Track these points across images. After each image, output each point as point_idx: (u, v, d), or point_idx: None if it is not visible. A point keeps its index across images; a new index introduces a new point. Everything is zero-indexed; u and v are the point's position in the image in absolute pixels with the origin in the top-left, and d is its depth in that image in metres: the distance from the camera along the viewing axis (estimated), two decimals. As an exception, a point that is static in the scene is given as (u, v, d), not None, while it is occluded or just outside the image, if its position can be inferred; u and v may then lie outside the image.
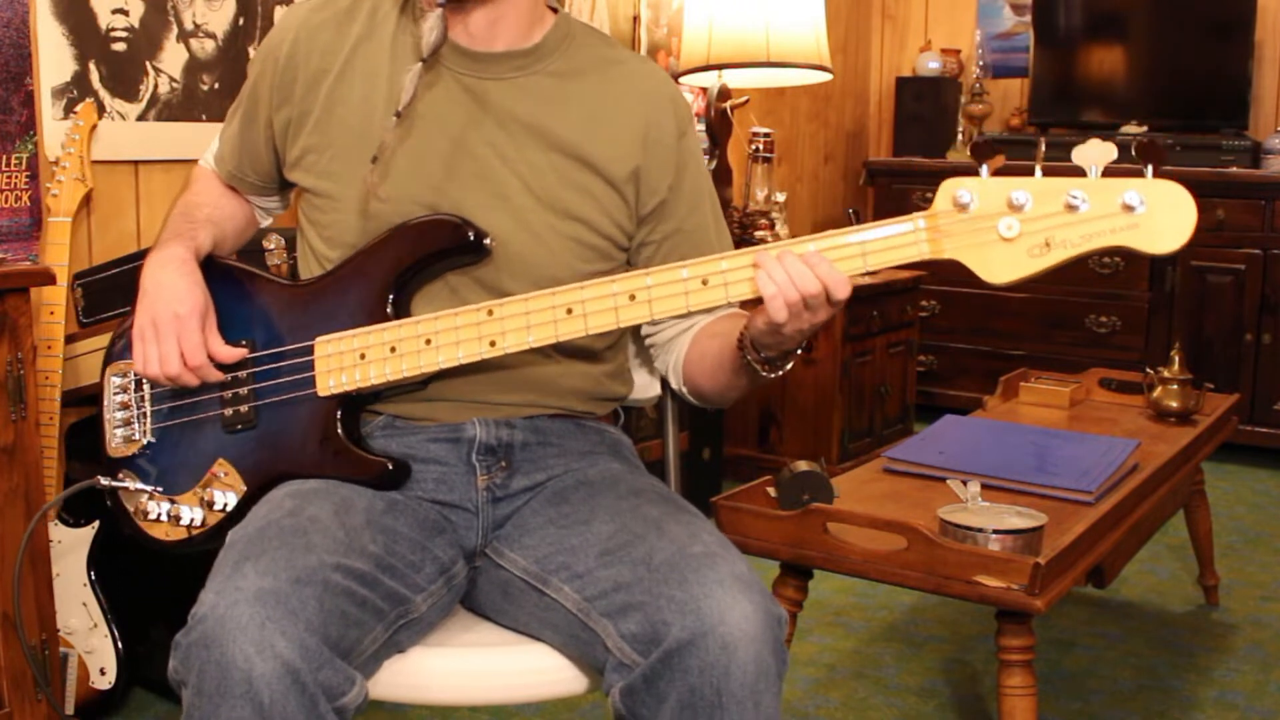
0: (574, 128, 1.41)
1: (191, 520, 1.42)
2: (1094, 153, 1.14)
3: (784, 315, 1.22)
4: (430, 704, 1.37)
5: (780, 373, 1.35)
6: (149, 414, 1.46)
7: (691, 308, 1.25)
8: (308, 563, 1.18)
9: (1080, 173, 1.14)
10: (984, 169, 1.17)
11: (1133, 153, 1.13)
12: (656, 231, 1.46)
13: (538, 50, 1.42)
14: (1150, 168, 1.12)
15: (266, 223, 1.64)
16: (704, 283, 1.24)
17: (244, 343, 1.40)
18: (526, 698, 1.39)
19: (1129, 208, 1.11)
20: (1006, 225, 1.15)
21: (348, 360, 1.35)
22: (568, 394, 1.45)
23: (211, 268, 1.45)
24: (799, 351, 1.32)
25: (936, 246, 1.18)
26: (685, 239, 1.46)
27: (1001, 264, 1.16)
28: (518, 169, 1.39)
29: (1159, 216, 1.11)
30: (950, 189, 1.17)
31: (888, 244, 1.20)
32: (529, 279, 1.35)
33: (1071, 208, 1.13)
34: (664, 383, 1.61)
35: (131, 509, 1.46)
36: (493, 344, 1.30)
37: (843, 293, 1.21)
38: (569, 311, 1.27)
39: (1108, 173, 1.13)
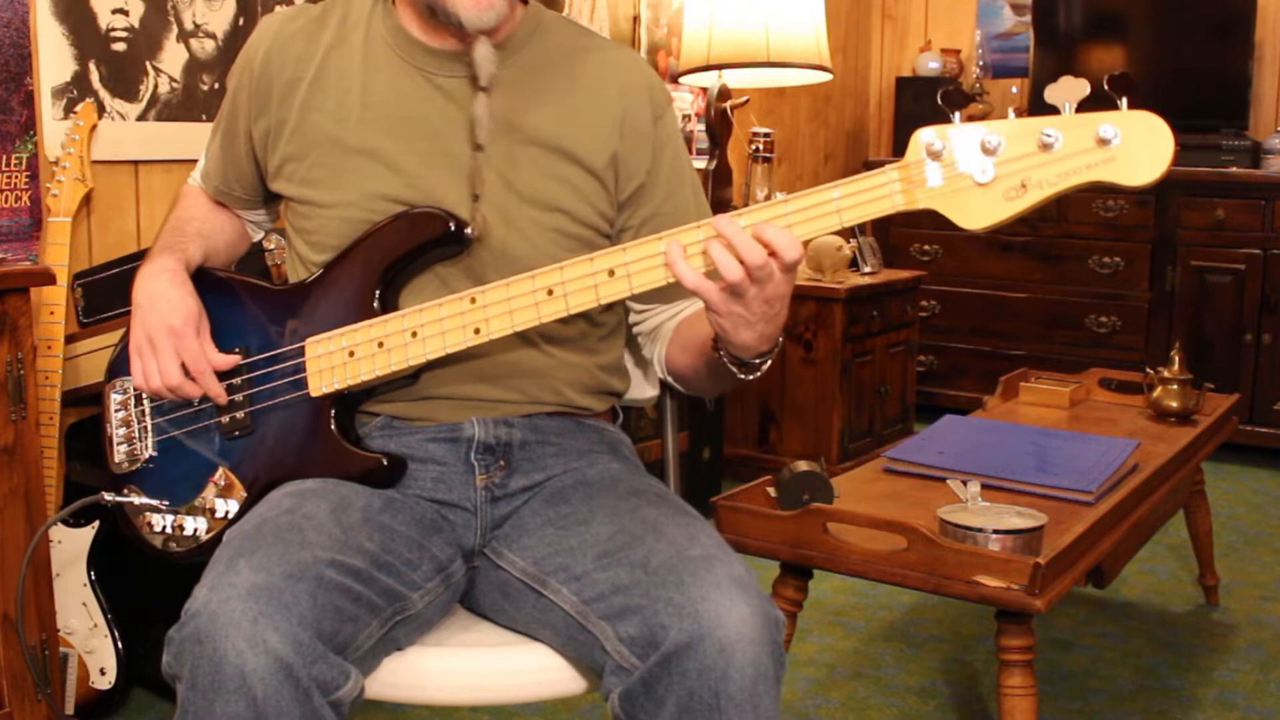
0: (550, 118, 1.41)
1: (196, 530, 1.42)
2: (1067, 89, 1.12)
3: (716, 298, 1.20)
4: (429, 704, 1.37)
5: (755, 375, 1.33)
6: (150, 428, 1.47)
7: (670, 279, 1.23)
8: (302, 559, 1.18)
9: (1055, 112, 1.12)
10: (955, 116, 1.15)
11: (1105, 86, 1.11)
12: (635, 217, 1.46)
13: (508, 44, 1.42)
14: (1124, 100, 1.09)
15: (258, 236, 1.65)
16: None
17: (237, 350, 1.41)
18: (525, 698, 1.38)
19: (1104, 141, 1.09)
20: (981, 169, 1.12)
21: (337, 359, 1.36)
22: (564, 387, 1.45)
23: (202, 278, 1.46)
24: (772, 351, 1.30)
25: (910, 197, 1.15)
26: (663, 222, 1.45)
27: (978, 209, 1.13)
28: (496, 164, 1.39)
29: (1135, 148, 1.08)
30: (921, 138, 1.14)
31: (862, 198, 1.17)
32: (514, 273, 1.35)
33: (1046, 146, 1.10)
34: (662, 381, 1.61)
35: (137, 523, 1.47)
36: (477, 331, 1.30)
37: (793, 253, 1.18)
38: (549, 293, 1.27)
39: (1081, 110, 1.11)
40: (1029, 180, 1.11)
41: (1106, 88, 1.10)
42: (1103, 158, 1.09)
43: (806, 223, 1.19)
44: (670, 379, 1.55)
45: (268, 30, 1.46)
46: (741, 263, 1.18)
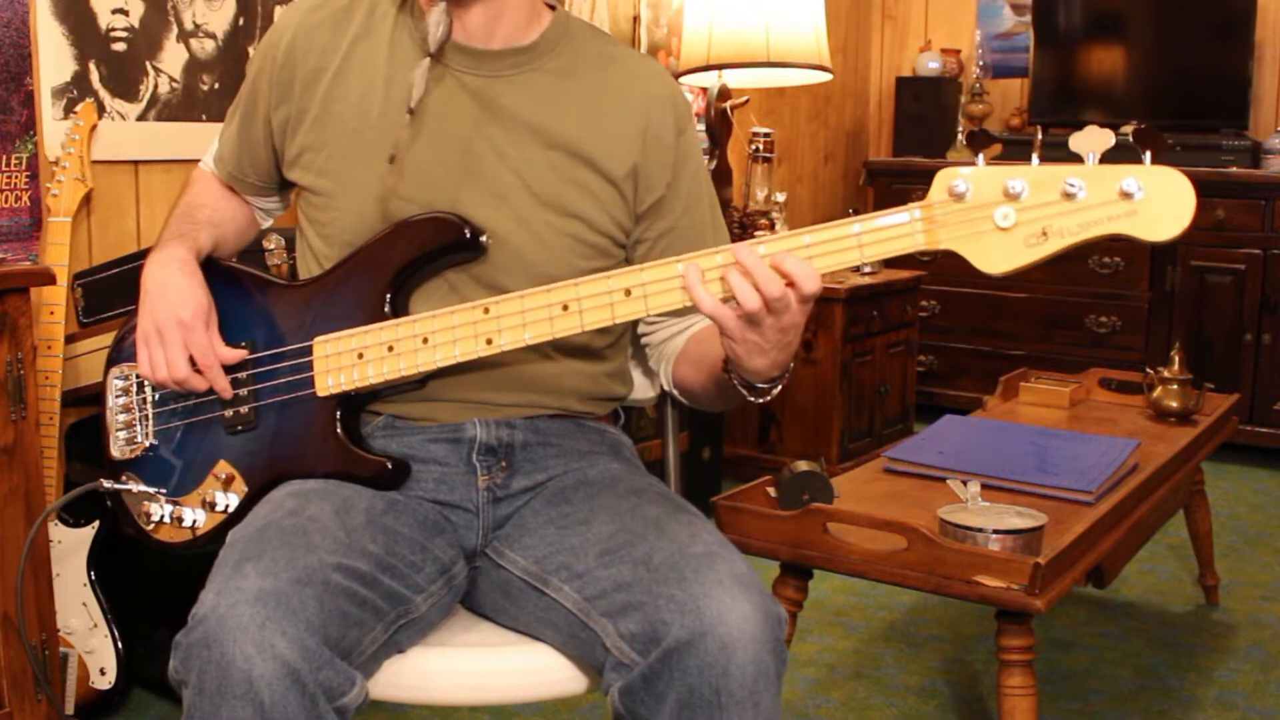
0: (573, 125, 1.41)
1: (194, 522, 1.42)
2: (1091, 140, 1.12)
3: (732, 325, 1.20)
4: (430, 704, 1.37)
5: (764, 399, 1.33)
6: (151, 416, 1.46)
7: (687, 302, 1.23)
8: (308, 563, 1.18)
9: (1078, 160, 1.12)
10: (980, 158, 1.15)
11: (1131, 139, 1.11)
12: (652, 229, 1.46)
13: (535, 48, 1.42)
14: (1149, 154, 1.10)
15: (267, 224, 1.65)
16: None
17: (244, 344, 1.41)
18: (526, 698, 1.39)
19: (1127, 195, 1.09)
20: (1003, 214, 1.13)
21: (346, 360, 1.35)
22: (567, 394, 1.45)
23: (211, 269, 1.45)
24: (783, 377, 1.30)
25: (932, 237, 1.16)
26: (680, 237, 1.46)
27: (998, 254, 1.14)
28: (516, 166, 1.39)
29: (1157, 203, 1.09)
30: (946, 179, 1.15)
31: (883, 235, 1.18)
32: (528, 277, 1.35)
33: (1069, 195, 1.11)
34: (668, 395, 1.61)
35: (134, 511, 1.46)
36: (489, 342, 1.30)
37: (812, 286, 1.18)
38: (565, 308, 1.27)
39: (1105, 160, 1.12)
40: (1050, 228, 1.12)
41: (1132, 141, 1.10)
42: (1124, 210, 1.10)
43: (826, 256, 1.19)
44: (676, 394, 1.55)
45: (293, 18, 1.45)
46: (759, 292, 1.18)
